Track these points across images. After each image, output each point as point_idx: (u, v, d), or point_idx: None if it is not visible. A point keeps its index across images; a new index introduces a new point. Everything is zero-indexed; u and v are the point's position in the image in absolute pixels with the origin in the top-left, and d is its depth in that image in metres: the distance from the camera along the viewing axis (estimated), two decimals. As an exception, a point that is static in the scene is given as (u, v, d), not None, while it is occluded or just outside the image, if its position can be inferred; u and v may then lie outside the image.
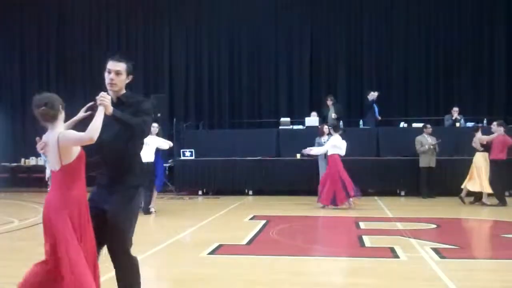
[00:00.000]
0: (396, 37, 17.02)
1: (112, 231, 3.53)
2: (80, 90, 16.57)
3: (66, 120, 3.52)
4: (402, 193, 13.40)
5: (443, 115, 15.05)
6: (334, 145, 10.98)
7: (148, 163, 9.76)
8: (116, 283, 3.69)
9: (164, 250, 6.68)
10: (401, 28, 17.05)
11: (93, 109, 3.56)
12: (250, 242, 7.18)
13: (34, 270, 3.33)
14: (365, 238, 7.30)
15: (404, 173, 13.23)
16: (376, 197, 12.79)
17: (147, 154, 9.79)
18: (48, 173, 11.78)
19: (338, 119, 14.18)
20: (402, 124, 14.57)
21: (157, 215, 10.14)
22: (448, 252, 6.47)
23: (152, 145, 10.00)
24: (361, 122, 14.92)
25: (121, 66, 3.64)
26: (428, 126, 12.94)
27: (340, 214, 10.19)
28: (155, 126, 10.30)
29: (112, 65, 3.62)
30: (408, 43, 16.91)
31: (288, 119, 14.96)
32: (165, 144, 10.36)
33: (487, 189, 11.24)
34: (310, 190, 12.12)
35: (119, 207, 3.52)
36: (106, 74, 3.64)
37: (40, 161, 15.68)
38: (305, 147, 11.46)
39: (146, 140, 10.90)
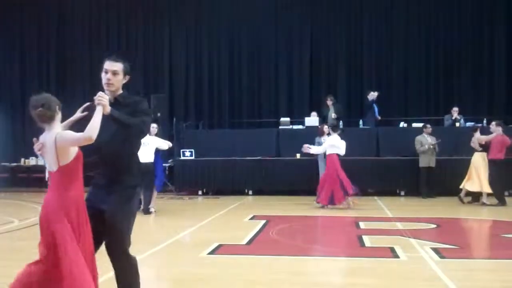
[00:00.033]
0: (396, 37, 17.02)
1: (110, 231, 3.53)
2: (80, 90, 16.60)
3: (63, 120, 3.51)
4: (402, 193, 13.40)
5: (443, 115, 15.05)
6: (332, 145, 10.99)
7: (148, 163, 9.79)
8: (115, 283, 3.69)
9: (163, 250, 6.68)
10: (401, 28, 17.05)
11: (90, 109, 3.56)
12: (250, 242, 7.18)
13: (27, 270, 3.31)
14: (365, 238, 7.30)
15: (404, 173, 13.23)
16: (376, 197, 12.80)
17: (146, 155, 9.81)
18: (48, 173, 11.83)
19: (338, 119, 14.18)
20: (402, 124, 14.57)
21: (157, 215, 10.15)
22: (448, 252, 6.47)
23: (151, 146, 10.02)
24: (361, 122, 14.92)
25: (118, 66, 3.64)
26: (428, 126, 12.94)
27: (340, 214, 10.19)
28: (154, 127, 10.32)
29: (109, 65, 3.62)
30: (408, 43, 16.91)
31: (288, 119, 14.96)
32: (165, 144, 10.38)
33: (486, 189, 11.25)
34: (310, 190, 12.12)
35: (117, 207, 3.52)
36: (103, 74, 3.63)
37: (40, 161, 15.67)
38: (305, 147, 11.48)
39: (145, 140, 11.00)
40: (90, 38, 18.16)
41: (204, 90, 17.76)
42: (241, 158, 14.01)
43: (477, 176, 11.38)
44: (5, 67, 18.46)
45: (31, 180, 16.16)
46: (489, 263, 6.12)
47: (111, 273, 3.73)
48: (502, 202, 11.11)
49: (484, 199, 11.36)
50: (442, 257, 6.05)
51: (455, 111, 14.17)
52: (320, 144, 11.91)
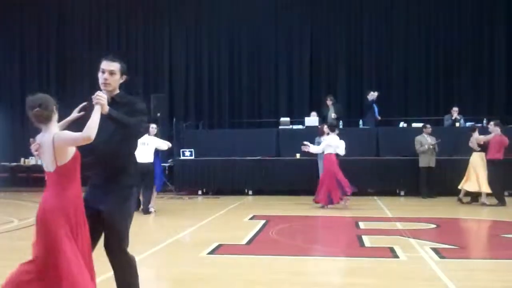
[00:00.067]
0: (396, 37, 17.03)
1: (109, 231, 3.53)
2: (80, 90, 16.58)
3: (59, 120, 3.50)
4: (402, 193, 13.39)
5: (442, 115, 15.05)
6: (329, 144, 11.00)
7: (147, 164, 9.79)
8: (114, 284, 3.69)
9: (163, 250, 6.68)
10: (401, 28, 17.05)
11: (86, 109, 3.56)
12: (249, 242, 7.18)
13: (19, 269, 3.29)
14: (365, 238, 7.30)
15: (404, 173, 13.23)
16: (375, 197, 12.80)
17: (146, 155, 9.82)
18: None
19: (338, 119, 14.19)
20: (402, 124, 14.57)
21: (157, 214, 10.15)
22: (448, 252, 6.47)
23: (151, 146, 10.02)
24: (360, 122, 14.92)
25: (115, 66, 3.63)
26: (428, 126, 12.94)
27: (340, 214, 10.19)
28: (153, 127, 10.32)
29: (106, 65, 3.62)
30: (408, 43, 16.92)
31: (288, 119, 14.96)
32: (164, 144, 10.40)
33: (485, 189, 11.24)
34: (310, 190, 12.11)
35: (115, 207, 3.52)
36: (100, 74, 3.63)
37: (40, 161, 15.68)
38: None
39: (145, 140, 10.98)
40: (90, 38, 18.17)
41: (204, 90, 17.76)
42: (241, 158, 14.00)
43: (476, 176, 11.38)
44: (5, 67, 18.46)
45: (31, 179, 16.16)
46: (489, 263, 6.11)
47: (110, 273, 3.72)
48: (502, 202, 11.11)
49: (483, 199, 11.36)
50: (442, 257, 6.05)
51: (455, 111, 14.18)
52: (319, 144, 11.91)
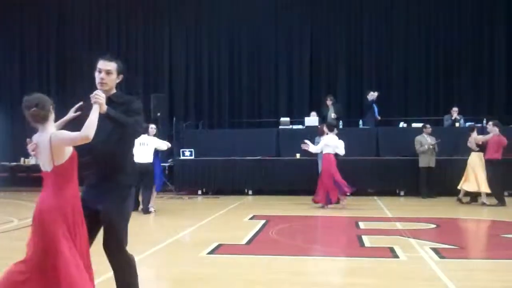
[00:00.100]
0: (396, 37, 17.03)
1: (107, 231, 3.53)
2: (80, 90, 16.56)
3: (55, 120, 3.49)
4: (402, 193, 13.39)
5: (442, 115, 15.05)
6: (327, 144, 11.01)
7: (147, 164, 9.80)
8: (113, 284, 3.68)
9: (163, 250, 6.68)
10: (401, 28, 17.05)
11: (83, 109, 3.56)
12: (249, 242, 7.18)
13: (13, 269, 3.27)
14: (365, 238, 7.30)
15: (404, 173, 13.23)
16: (375, 197, 12.80)
17: (146, 155, 9.83)
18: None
19: (337, 119, 14.18)
20: (402, 124, 14.57)
21: (157, 214, 10.15)
22: (448, 252, 6.47)
23: (150, 146, 10.02)
24: (360, 122, 14.92)
25: (112, 66, 3.63)
26: (428, 126, 12.94)
27: (340, 214, 10.19)
28: (153, 127, 10.32)
29: (102, 64, 3.61)
30: (408, 43, 16.92)
31: (288, 119, 14.96)
32: (163, 145, 10.41)
33: (484, 188, 11.24)
34: (310, 190, 12.10)
35: (113, 207, 3.52)
36: (96, 74, 3.63)
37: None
38: (305, 147, 11.49)
39: (144, 141, 10.96)
40: (90, 38, 18.17)
41: (204, 90, 17.77)
42: (241, 158, 14.00)
43: (474, 176, 11.38)
44: (5, 67, 18.46)
45: (31, 179, 16.13)
46: (489, 263, 6.11)
47: (110, 274, 3.72)
48: (501, 202, 11.11)
49: (483, 199, 11.36)
50: (441, 257, 6.05)
51: (454, 111, 14.17)
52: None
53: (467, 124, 13.76)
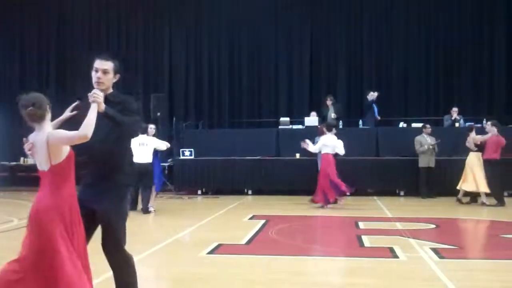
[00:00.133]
0: (396, 37, 17.03)
1: (105, 231, 3.53)
2: (80, 90, 16.55)
3: (52, 120, 3.47)
4: (402, 193, 13.39)
5: (442, 115, 15.05)
6: (325, 144, 11.01)
7: (146, 164, 9.80)
8: (112, 284, 3.68)
9: (163, 250, 6.68)
10: (401, 28, 17.06)
11: (79, 108, 3.55)
12: (249, 241, 7.18)
13: (6, 268, 3.25)
14: (364, 238, 7.30)
15: (404, 173, 13.23)
16: (375, 197, 12.80)
17: (145, 155, 9.83)
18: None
19: (337, 119, 14.19)
20: (402, 124, 14.57)
21: (156, 214, 10.15)
22: (447, 252, 6.47)
23: (150, 146, 10.02)
24: (360, 122, 14.92)
25: (109, 65, 3.63)
26: (428, 126, 12.94)
27: (340, 214, 10.18)
28: (152, 127, 10.32)
29: (99, 64, 3.62)
30: (408, 43, 16.92)
31: (288, 119, 14.96)
32: (163, 145, 10.42)
33: (483, 188, 11.24)
34: (310, 190, 12.10)
35: (111, 207, 3.52)
36: (93, 73, 3.63)
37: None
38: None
39: (144, 141, 10.95)
40: (90, 38, 18.17)
41: (204, 90, 17.77)
42: (240, 158, 14.00)
43: (473, 176, 11.38)
44: (5, 67, 18.46)
45: (31, 179, 16.09)
46: (489, 263, 6.11)
47: (108, 274, 3.72)
48: (501, 203, 11.11)
49: (483, 199, 11.36)
50: (441, 257, 6.05)
51: (454, 111, 14.17)
52: (319, 144, 11.93)
53: (467, 124, 13.78)
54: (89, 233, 3.49)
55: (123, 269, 3.61)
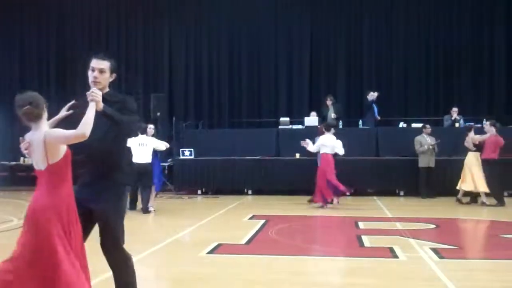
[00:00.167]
0: (396, 37, 17.04)
1: (104, 230, 3.52)
2: (80, 90, 16.54)
3: (48, 119, 3.47)
4: (401, 193, 13.39)
5: (442, 115, 15.05)
6: (324, 144, 11.01)
7: (145, 164, 9.80)
8: (111, 284, 3.68)
9: (163, 249, 6.68)
10: (401, 28, 17.06)
11: (75, 107, 3.55)
12: (249, 241, 7.18)
13: (0, 268, 3.23)
14: (364, 238, 7.30)
15: (404, 173, 13.22)
16: (375, 197, 12.79)
17: (144, 155, 9.83)
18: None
19: (337, 119, 14.20)
20: (402, 124, 14.57)
21: (156, 214, 10.14)
22: (447, 252, 6.47)
23: (149, 146, 10.02)
24: (360, 122, 14.92)
25: (105, 64, 3.62)
26: (428, 126, 12.94)
27: (339, 214, 10.18)
28: (151, 128, 10.32)
29: (95, 63, 3.61)
30: (408, 43, 16.93)
31: (288, 118, 14.96)
32: (162, 145, 10.43)
33: (482, 188, 11.24)
34: (310, 190, 12.11)
35: (109, 206, 3.51)
36: (89, 72, 3.62)
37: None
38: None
39: (143, 141, 10.94)
40: (90, 38, 18.18)
41: (204, 90, 17.78)
42: (240, 158, 14.00)
43: (471, 176, 11.39)
44: (5, 67, 18.45)
45: (31, 178, 16.03)
46: (488, 263, 6.11)
47: (107, 274, 3.72)
48: (501, 203, 11.11)
49: (483, 198, 11.36)
50: (441, 257, 6.05)
51: (454, 111, 14.18)
52: (319, 144, 11.93)
53: (467, 124, 13.78)
54: (86, 232, 3.48)
55: (122, 268, 3.60)
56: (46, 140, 3.22)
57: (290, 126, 14.75)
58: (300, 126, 14.69)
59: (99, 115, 3.33)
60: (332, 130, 11.35)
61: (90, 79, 3.60)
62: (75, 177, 3.43)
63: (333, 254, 6.55)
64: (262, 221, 8.91)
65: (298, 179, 13.30)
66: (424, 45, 16.87)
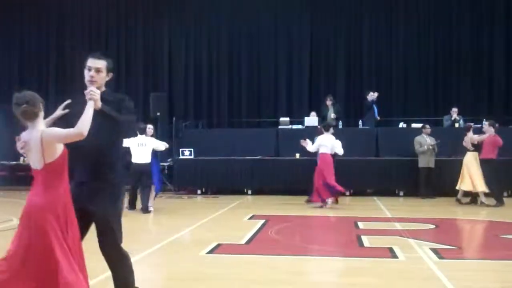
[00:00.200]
0: (396, 37, 17.04)
1: (103, 230, 3.52)
2: (80, 90, 16.54)
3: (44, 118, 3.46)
4: (401, 193, 13.39)
5: (442, 115, 15.05)
6: (322, 144, 11.00)
7: (145, 164, 9.80)
8: (110, 284, 3.68)
9: (163, 249, 6.68)
10: (401, 28, 17.07)
11: (71, 107, 3.55)
12: (249, 241, 7.18)
13: None
14: (364, 238, 7.30)
15: (403, 173, 13.23)
16: (375, 197, 12.80)
17: (144, 155, 9.82)
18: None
19: (337, 119, 14.21)
20: (401, 125, 14.58)
21: (156, 214, 10.13)
22: (447, 252, 6.48)
23: (148, 146, 10.01)
24: (360, 122, 14.92)
25: (102, 64, 3.62)
26: (427, 126, 12.95)
27: (339, 214, 10.19)
28: (150, 128, 10.31)
29: (92, 62, 3.60)
30: (408, 43, 16.93)
31: (288, 118, 14.97)
32: (161, 145, 10.43)
33: (481, 188, 11.24)
34: (309, 190, 12.12)
35: (107, 206, 3.51)
36: (86, 72, 3.61)
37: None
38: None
39: (142, 141, 10.94)
40: (90, 38, 18.17)
41: (203, 90, 17.77)
42: (240, 158, 14.00)
43: (469, 176, 11.39)
44: (4, 67, 18.44)
45: (30, 178, 16.03)
46: (488, 263, 6.11)
47: (106, 274, 3.72)
48: (500, 203, 11.11)
49: (482, 198, 11.36)
50: (440, 257, 6.06)
51: (454, 111, 14.19)
52: (319, 144, 11.92)
53: (466, 124, 13.78)
54: (82, 232, 3.48)
55: (120, 267, 3.61)
56: (43, 139, 3.22)
57: (290, 126, 14.76)
58: (300, 126, 14.70)
59: (95, 114, 3.32)
60: (331, 130, 11.35)
61: (87, 78, 3.60)
62: (71, 175, 3.42)
63: (333, 254, 6.55)
64: (262, 221, 8.92)
65: (298, 179, 13.29)
66: (424, 45, 16.87)
